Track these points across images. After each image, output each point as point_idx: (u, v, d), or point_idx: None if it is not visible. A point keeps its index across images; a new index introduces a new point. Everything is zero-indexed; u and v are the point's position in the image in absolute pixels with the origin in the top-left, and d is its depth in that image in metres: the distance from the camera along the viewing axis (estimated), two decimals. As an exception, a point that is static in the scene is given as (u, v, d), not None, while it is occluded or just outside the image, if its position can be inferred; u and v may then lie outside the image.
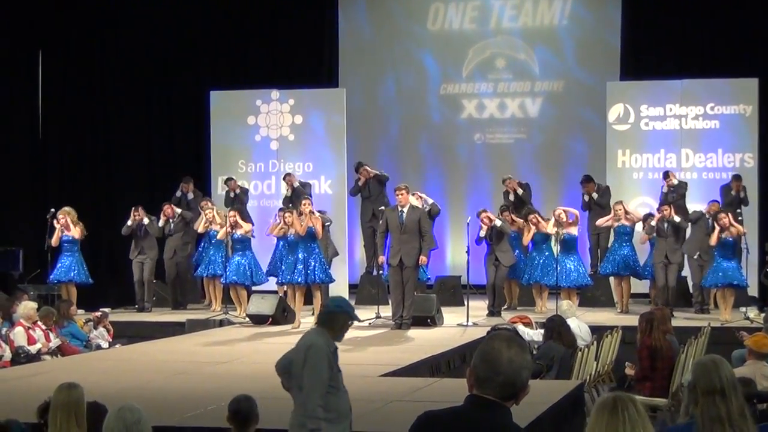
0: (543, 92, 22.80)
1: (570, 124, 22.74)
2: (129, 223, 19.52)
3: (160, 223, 19.75)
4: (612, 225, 18.69)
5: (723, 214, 17.35)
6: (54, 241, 18.83)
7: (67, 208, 19.09)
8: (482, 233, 18.03)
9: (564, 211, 18.21)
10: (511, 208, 19.48)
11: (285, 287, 18.22)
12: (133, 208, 19.63)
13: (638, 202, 20.06)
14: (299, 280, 16.76)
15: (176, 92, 23.67)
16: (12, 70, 23.65)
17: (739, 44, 21.38)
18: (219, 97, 22.05)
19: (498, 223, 17.97)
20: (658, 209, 18.25)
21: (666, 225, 17.77)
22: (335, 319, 7.52)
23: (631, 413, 4.56)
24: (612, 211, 18.69)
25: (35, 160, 23.78)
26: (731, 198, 19.22)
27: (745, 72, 20.34)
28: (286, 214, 17.09)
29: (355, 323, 17.19)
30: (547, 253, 18.38)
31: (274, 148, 21.71)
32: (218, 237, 18.67)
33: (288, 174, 20.63)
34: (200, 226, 19.32)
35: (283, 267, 17.45)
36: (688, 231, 18.41)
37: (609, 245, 19.24)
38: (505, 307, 18.74)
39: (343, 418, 7.38)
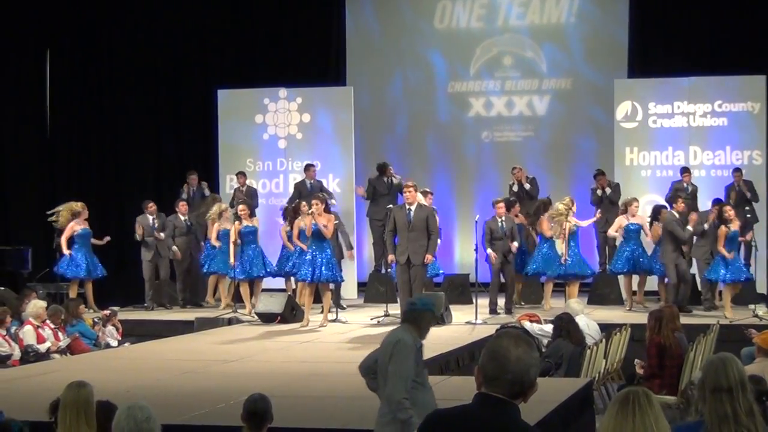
0: (550, 90, 22.78)
1: (578, 121, 22.72)
2: (141, 227, 19.46)
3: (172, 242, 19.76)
4: (621, 225, 18.52)
5: (728, 207, 17.39)
6: (67, 235, 18.80)
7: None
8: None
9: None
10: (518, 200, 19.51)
11: (293, 284, 18.27)
12: (147, 205, 19.65)
13: (646, 199, 20.01)
14: (306, 278, 16.79)
15: (184, 91, 23.69)
16: (20, 69, 23.71)
17: (747, 41, 21.33)
18: (227, 96, 22.07)
19: (515, 245, 18.01)
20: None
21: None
22: (422, 317, 7.68)
23: (642, 403, 4.58)
24: (628, 212, 18.46)
25: (43, 159, 23.83)
26: (735, 195, 19.17)
27: (754, 69, 20.32)
28: (302, 204, 17.05)
29: (366, 322, 17.37)
30: (548, 246, 18.36)
31: (282, 146, 21.73)
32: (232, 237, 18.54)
33: (311, 165, 20.58)
34: (213, 236, 19.18)
35: (292, 260, 17.60)
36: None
37: (617, 243, 19.25)
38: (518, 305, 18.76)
39: None
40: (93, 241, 19.18)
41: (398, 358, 7.39)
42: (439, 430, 4.26)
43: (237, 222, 18.37)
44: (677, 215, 17.79)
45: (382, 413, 7.45)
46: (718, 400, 5.26)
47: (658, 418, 4.60)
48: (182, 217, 19.80)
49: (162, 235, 19.49)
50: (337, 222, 17.97)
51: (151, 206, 19.68)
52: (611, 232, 18.66)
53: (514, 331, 4.37)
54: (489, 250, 17.86)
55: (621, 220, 18.45)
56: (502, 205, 18.16)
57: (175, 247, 19.61)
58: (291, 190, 21.11)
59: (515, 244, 18.04)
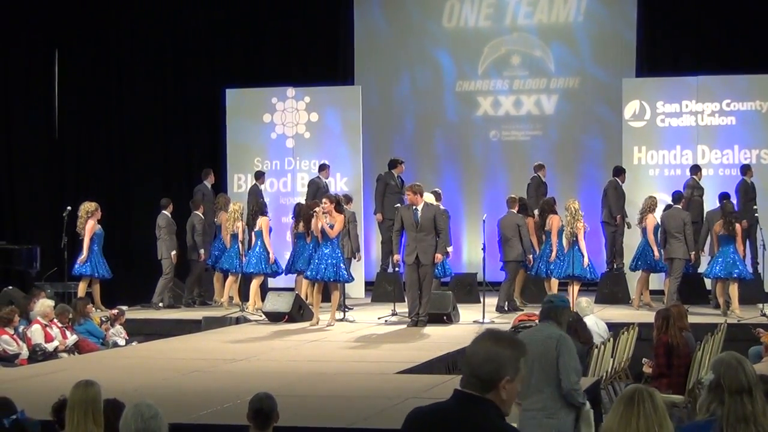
0: (558, 89, 22.77)
1: (586, 121, 22.70)
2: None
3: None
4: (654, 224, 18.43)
5: (738, 226, 17.38)
6: (90, 235, 18.83)
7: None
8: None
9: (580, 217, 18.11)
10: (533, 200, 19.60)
11: (301, 283, 18.31)
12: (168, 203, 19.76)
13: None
14: (309, 275, 16.82)
15: (192, 90, 23.69)
16: (29, 70, 23.73)
17: (756, 40, 21.30)
18: (235, 95, 22.07)
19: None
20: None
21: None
22: (563, 313, 8.26)
23: (647, 406, 4.56)
24: (655, 211, 18.43)
25: (52, 158, 23.85)
26: (748, 192, 19.18)
27: (762, 68, 20.26)
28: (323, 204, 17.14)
29: (373, 321, 17.38)
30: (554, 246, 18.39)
31: (289, 145, 21.73)
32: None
33: (326, 166, 20.55)
34: (226, 235, 19.23)
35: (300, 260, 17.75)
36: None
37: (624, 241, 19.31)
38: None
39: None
40: None
41: (567, 351, 7.88)
42: (416, 427, 4.33)
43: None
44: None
45: (535, 414, 7.77)
46: (739, 402, 5.22)
47: (663, 421, 4.58)
48: (201, 216, 19.82)
49: (202, 251, 19.69)
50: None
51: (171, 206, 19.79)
52: (652, 236, 18.32)
53: (495, 330, 4.46)
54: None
55: (653, 219, 18.35)
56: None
57: (201, 250, 19.68)
58: (299, 189, 21.13)
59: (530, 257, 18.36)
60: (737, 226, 17.30)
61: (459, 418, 4.21)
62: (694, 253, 18.11)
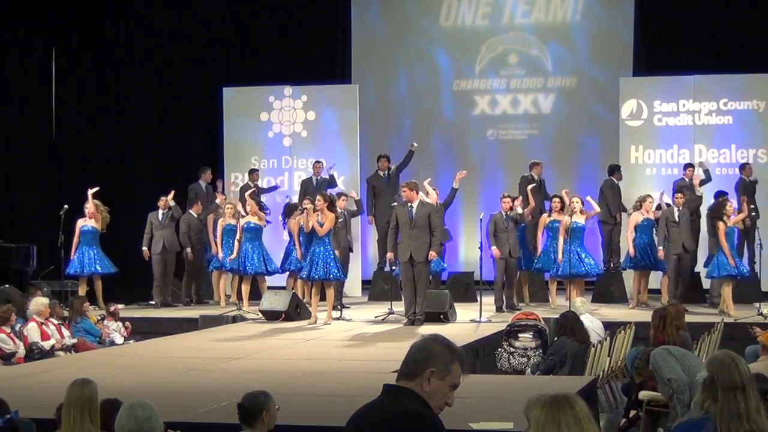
0: (556, 88, 22.77)
1: (583, 120, 22.71)
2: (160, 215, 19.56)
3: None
4: (637, 221, 18.47)
5: (728, 204, 17.42)
6: (77, 231, 18.87)
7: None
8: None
9: (580, 201, 18.09)
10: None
11: (297, 282, 18.31)
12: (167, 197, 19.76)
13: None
14: (303, 275, 16.81)
15: (189, 88, 23.69)
16: (25, 68, 23.72)
17: (753, 40, 21.32)
18: (232, 94, 22.06)
19: (519, 210, 18.08)
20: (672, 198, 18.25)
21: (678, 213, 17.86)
22: None
23: (566, 410, 4.09)
24: (642, 208, 18.44)
25: (49, 157, 23.84)
26: (746, 187, 19.20)
27: (759, 67, 20.28)
28: (305, 201, 17.11)
29: (368, 319, 17.37)
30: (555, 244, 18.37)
31: (286, 144, 21.73)
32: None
33: (318, 162, 20.57)
34: (219, 234, 19.22)
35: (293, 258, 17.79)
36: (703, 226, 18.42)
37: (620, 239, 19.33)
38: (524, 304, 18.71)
39: None
40: None
41: None
42: (351, 423, 4.52)
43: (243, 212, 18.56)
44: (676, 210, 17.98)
45: None
46: (732, 398, 5.24)
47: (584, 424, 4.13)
48: (195, 215, 19.79)
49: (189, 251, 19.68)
50: (341, 220, 17.93)
51: (162, 201, 19.72)
52: (629, 234, 18.40)
53: (443, 336, 4.65)
54: (493, 247, 17.90)
55: (636, 217, 18.35)
56: (508, 200, 18.22)
57: (188, 249, 19.63)
58: (296, 187, 21.13)
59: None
60: (719, 224, 17.25)
61: (381, 408, 4.40)
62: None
